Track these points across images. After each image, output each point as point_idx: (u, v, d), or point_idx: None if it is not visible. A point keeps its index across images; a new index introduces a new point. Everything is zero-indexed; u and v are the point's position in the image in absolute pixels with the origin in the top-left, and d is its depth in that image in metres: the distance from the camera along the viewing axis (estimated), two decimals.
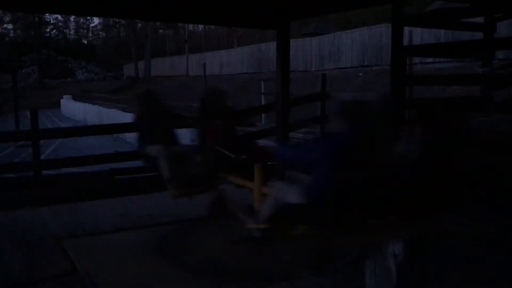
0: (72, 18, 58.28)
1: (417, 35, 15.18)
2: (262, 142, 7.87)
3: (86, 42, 62.35)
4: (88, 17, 56.51)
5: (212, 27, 44.72)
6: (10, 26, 53.54)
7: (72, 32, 62.06)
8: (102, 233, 4.21)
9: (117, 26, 58.05)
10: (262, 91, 17.44)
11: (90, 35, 63.74)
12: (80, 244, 3.94)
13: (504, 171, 4.18)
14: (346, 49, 20.94)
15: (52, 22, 57.08)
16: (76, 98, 30.71)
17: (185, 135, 4.83)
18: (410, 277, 2.03)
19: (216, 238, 4.01)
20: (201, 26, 47.51)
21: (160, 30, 51.85)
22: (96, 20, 61.02)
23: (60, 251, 3.75)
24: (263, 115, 14.76)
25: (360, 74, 18.54)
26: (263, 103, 16.78)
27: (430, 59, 15.28)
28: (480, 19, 6.60)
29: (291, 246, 3.72)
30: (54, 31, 58.60)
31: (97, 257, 3.63)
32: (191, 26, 47.38)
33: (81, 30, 62.91)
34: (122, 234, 4.18)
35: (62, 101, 32.69)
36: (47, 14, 49.22)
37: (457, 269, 3.21)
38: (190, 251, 3.82)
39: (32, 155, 5.72)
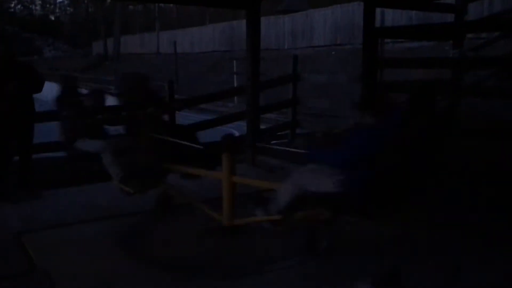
0: None
1: (389, 15, 15.13)
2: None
3: (53, 18, 60.28)
4: None
5: None
6: None
7: (38, 7, 59.89)
8: (64, 225, 4.03)
9: (85, 1, 56.25)
10: (235, 70, 17.21)
11: (57, 10, 61.61)
12: (40, 238, 3.75)
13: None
14: (319, 27, 20.78)
15: None
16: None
17: None
18: None
19: (183, 230, 3.88)
20: None
21: (130, 6, 50.46)
22: None
23: (18, 247, 3.57)
24: (235, 97, 14.58)
25: (333, 53, 18.46)
26: (235, 83, 16.59)
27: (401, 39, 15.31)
28: (451, 0, 6.57)
29: (258, 239, 3.65)
30: (19, 6, 56.45)
31: (58, 253, 3.46)
32: None
33: (48, 6, 60.72)
34: (85, 226, 4.01)
35: None
36: None
37: None
38: (156, 244, 3.70)
39: None
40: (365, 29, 5.56)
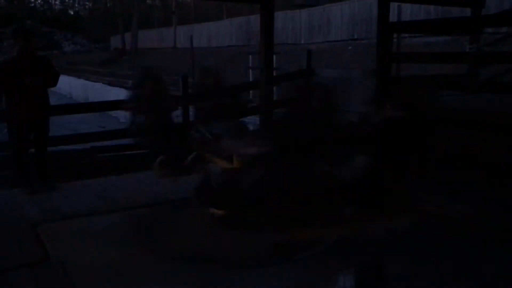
0: None
1: (407, 9, 14.97)
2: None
3: (72, 13, 60.84)
4: None
5: None
6: None
7: (57, 2, 60.49)
8: (79, 216, 4.11)
9: None
10: (250, 65, 17.19)
11: (76, 5, 62.14)
12: (55, 228, 3.84)
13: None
14: (336, 21, 20.64)
15: None
16: (61, 71, 30.10)
17: None
18: None
19: (196, 223, 3.92)
20: None
21: (148, 1, 50.71)
22: None
23: (33, 236, 3.65)
24: (251, 91, 14.55)
25: (350, 47, 18.32)
26: (251, 77, 16.57)
27: None
28: None
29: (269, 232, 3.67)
30: (39, 1, 57.14)
31: (72, 243, 3.54)
32: None
33: (67, 0, 61.29)
34: (100, 217, 4.08)
35: None
36: None
37: None
38: (169, 236, 3.74)
39: None
40: (379, 24, 5.52)
